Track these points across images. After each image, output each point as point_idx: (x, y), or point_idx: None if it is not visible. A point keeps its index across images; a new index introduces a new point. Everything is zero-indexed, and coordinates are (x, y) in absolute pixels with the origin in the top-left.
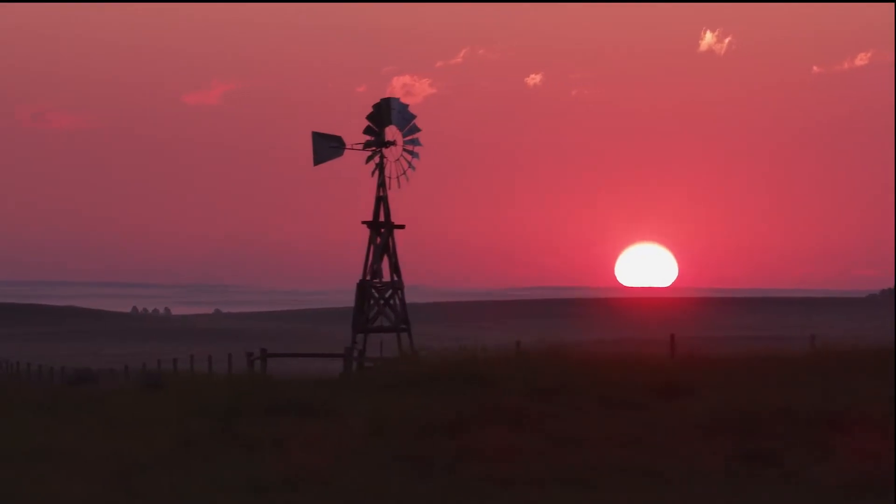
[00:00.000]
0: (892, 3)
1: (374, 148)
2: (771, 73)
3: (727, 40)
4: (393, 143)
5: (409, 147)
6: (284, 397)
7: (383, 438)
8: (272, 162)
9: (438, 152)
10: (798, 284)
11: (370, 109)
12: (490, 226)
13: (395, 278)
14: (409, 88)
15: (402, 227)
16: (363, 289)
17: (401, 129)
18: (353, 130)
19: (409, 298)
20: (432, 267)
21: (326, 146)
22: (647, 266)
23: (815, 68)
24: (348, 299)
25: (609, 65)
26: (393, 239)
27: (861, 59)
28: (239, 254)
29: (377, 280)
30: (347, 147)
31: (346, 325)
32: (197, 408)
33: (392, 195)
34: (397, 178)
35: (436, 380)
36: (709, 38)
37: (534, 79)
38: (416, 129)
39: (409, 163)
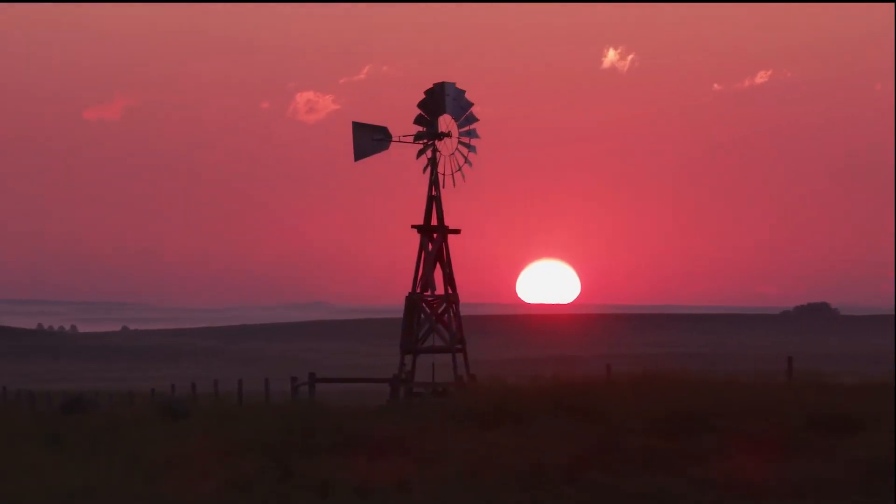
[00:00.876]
0: (892, 4)
1: (425, 140)
2: (673, 91)
3: (630, 58)
4: (447, 135)
5: (466, 139)
6: (348, 431)
7: (490, 483)
8: (176, 177)
9: (343, 171)
10: (699, 301)
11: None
12: (389, 243)
13: (450, 291)
14: (313, 105)
15: (457, 231)
16: (413, 303)
17: (456, 118)
18: (249, 146)
19: (305, 316)
20: (329, 283)
21: (369, 138)
22: (549, 282)
23: (715, 86)
24: (255, 316)
25: (512, 81)
26: (447, 245)
27: (761, 77)
28: (143, 270)
29: (428, 293)
30: (394, 139)
31: (260, 341)
32: (243, 443)
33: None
34: (452, 174)
35: (528, 412)
36: (612, 55)
37: None
38: (473, 119)
39: (466, 157)
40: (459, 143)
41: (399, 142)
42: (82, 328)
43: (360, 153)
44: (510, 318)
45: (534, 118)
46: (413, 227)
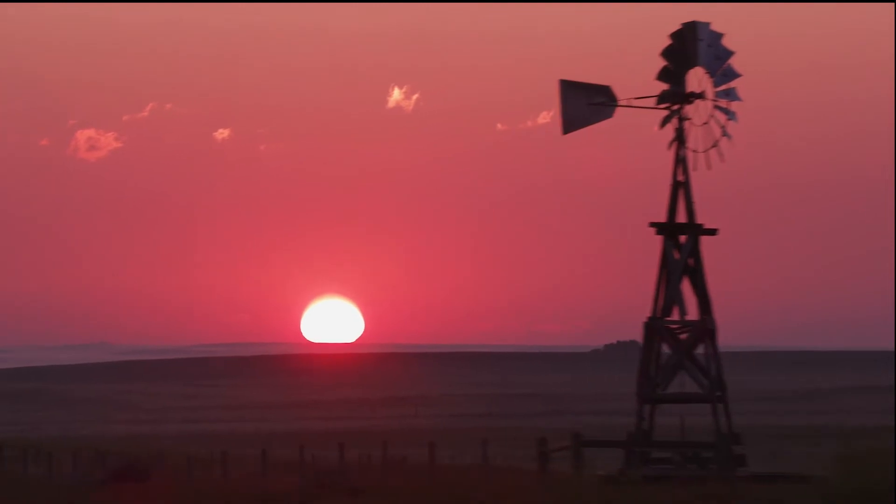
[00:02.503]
0: (892, 3)
1: (669, 104)
2: (458, 130)
3: (415, 97)
4: (700, 96)
5: (723, 102)
6: None
7: None
8: None
9: (127, 207)
10: (484, 339)
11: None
12: (175, 281)
13: (706, 317)
14: (94, 142)
15: (713, 231)
16: (654, 332)
17: (711, 73)
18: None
19: (89, 357)
20: (115, 322)
21: (583, 102)
22: (333, 321)
23: (499, 126)
24: (50, 357)
25: (297, 120)
26: (699, 251)
27: (543, 118)
28: None
29: (675, 318)
30: (621, 103)
31: (74, 382)
32: None
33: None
34: (704, 152)
35: None
36: (397, 94)
37: (222, 133)
38: (733, 74)
39: (724, 128)
40: (715, 107)
41: (630, 106)
42: None
43: (571, 122)
44: (310, 357)
45: (319, 157)
46: (652, 224)
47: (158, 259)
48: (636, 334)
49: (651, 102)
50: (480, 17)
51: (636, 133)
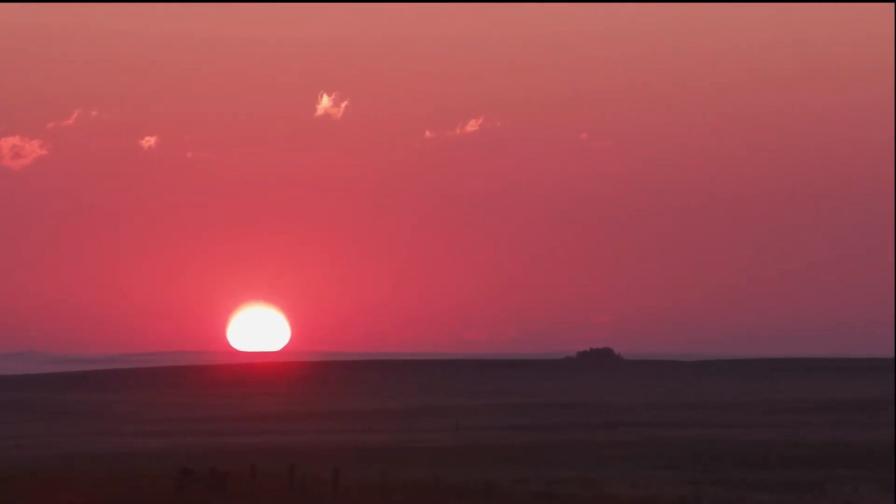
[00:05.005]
0: (892, 3)
1: None
2: (387, 137)
3: (344, 104)
4: None
5: None
6: None
7: None
8: None
9: (53, 215)
10: (410, 348)
11: None
12: (103, 289)
13: None
14: (19, 150)
15: None
16: None
17: None
18: None
19: (27, 367)
20: (38, 333)
21: None
22: (259, 329)
23: (427, 133)
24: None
25: (225, 128)
26: None
27: (472, 126)
28: None
29: None
30: None
31: (57, 391)
32: None
33: None
34: None
35: None
36: (325, 101)
37: (148, 141)
38: None
39: None
40: None
41: None
42: None
43: None
44: (258, 366)
45: (247, 165)
46: None
47: (86, 267)
48: (604, 341)
49: None
50: (410, 23)
51: (563, 139)
